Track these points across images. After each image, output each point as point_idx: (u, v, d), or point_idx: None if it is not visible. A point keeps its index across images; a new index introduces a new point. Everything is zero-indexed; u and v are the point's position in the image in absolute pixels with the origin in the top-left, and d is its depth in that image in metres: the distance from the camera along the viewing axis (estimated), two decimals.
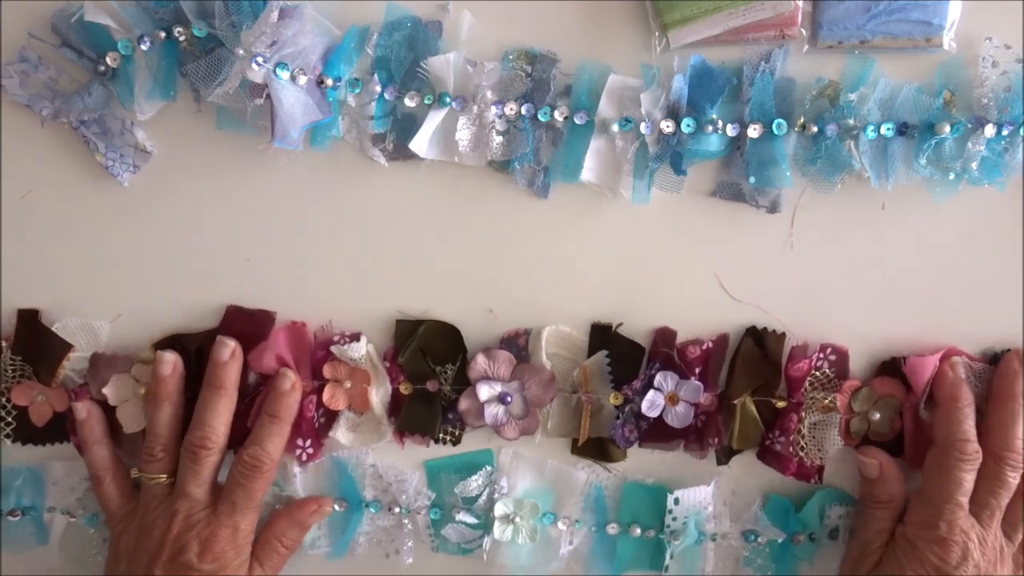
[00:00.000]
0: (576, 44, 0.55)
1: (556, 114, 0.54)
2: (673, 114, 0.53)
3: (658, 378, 0.59)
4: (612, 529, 0.63)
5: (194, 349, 0.61)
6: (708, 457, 0.61)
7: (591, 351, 0.60)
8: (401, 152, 0.56)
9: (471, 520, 0.63)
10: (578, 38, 0.55)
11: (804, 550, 0.63)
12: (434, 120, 0.54)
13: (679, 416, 0.59)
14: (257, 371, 0.60)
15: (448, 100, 0.54)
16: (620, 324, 0.60)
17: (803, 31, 0.54)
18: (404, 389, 0.61)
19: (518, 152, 0.54)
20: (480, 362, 0.59)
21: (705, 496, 0.61)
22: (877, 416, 0.59)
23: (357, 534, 0.64)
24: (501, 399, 0.59)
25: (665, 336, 0.60)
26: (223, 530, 0.58)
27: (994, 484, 0.57)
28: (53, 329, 0.60)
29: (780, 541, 0.62)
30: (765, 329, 0.59)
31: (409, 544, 0.64)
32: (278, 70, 0.51)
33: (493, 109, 0.54)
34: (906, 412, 0.60)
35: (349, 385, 0.60)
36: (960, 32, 0.54)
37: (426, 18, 0.54)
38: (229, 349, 0.59)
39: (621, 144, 0.54)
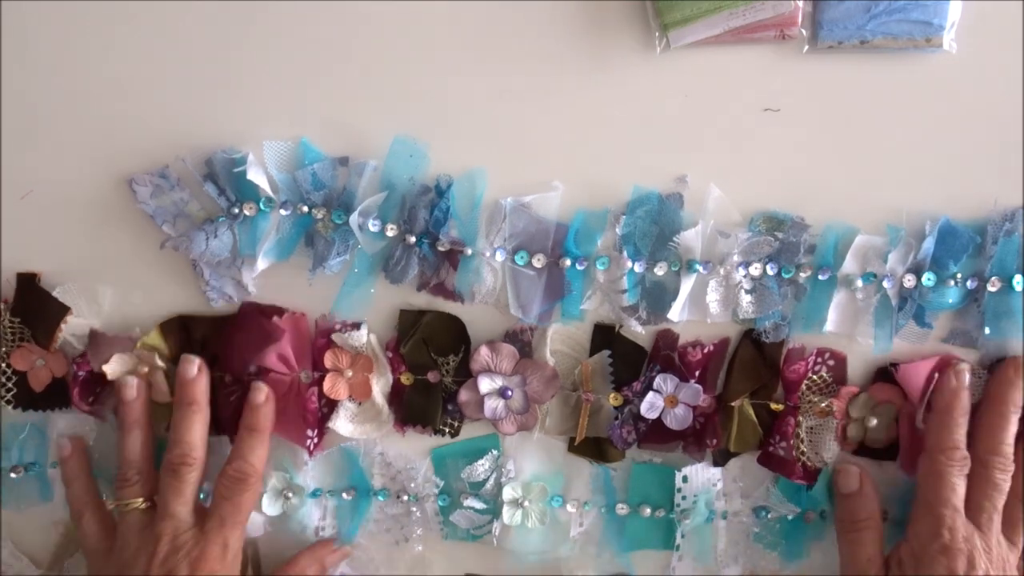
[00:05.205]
0: (577, 44, 0.55)
1: (800, 272, 0.57)
2: (915, 269, 0.56)
3: (658, 380, 0.59)
4: (622, 510, 0.63)
5: (200, 335, 0.62)
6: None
7: (593, 350, 0.61)
8: (654, 318, 0.59)
9: (479, 505, 0.64)
10: (578, 38, 0.55)
11: (815, 528, 0.63)
12: (686, 287, 0.57)
13: (677, 418, 0.59)
14: (259, 364, 0.61)
15: (696, 266, 0.57)
16: (623, 325, 0.60)
17: (803, 31, 0.54)
18: (405, 379, 0.61)
19: (769, 310, 0.57)
20: (483, 354, 0.59)
21: (714, 473, 0.62)
22: (874, 422, 0.60)
23: (366, 521, 0.65)
24: (501, 393, 0.60)
25: (667, 338, 0.60)
26: (213, 547, 0.58)
27: (986, 487, 0.57)
28: (54, 293, 0.61)
29: (791, 518, 0.62)
30: (763, 331, 0.58)
31: (418, 531, 0.65)
32: (516, 258, 0.57)
33: (740, 270, 0.57)
34: (902, 419, 0.60)
35: (351, 374, 0.60)
36: (960, 32, 0.53)
37: (666, 191, 0.57)
38: (195, 365, 0.60)
39: (862, 297, 0.57)
